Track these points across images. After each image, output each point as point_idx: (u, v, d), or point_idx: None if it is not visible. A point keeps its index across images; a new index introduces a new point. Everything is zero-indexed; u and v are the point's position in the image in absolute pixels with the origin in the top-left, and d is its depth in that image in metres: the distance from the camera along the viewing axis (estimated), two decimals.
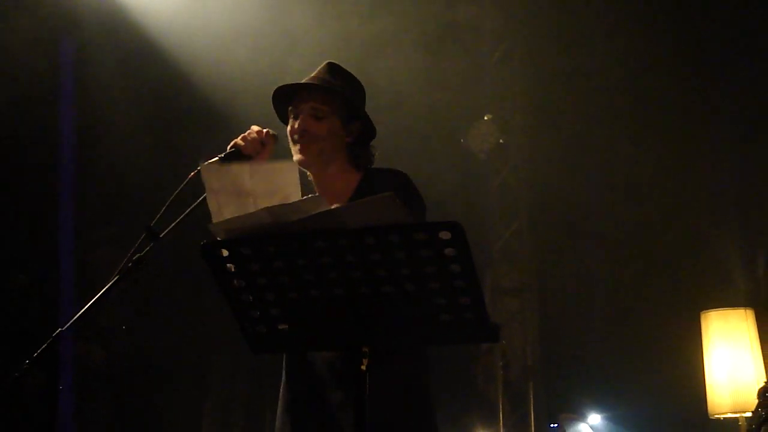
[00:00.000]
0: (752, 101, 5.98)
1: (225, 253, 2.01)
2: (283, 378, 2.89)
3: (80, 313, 2.59)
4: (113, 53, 5.69)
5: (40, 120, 5.64)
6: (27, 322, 4.38)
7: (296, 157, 2.89)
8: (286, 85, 2.93)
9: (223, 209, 2.58)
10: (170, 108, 5.99)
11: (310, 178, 2.97)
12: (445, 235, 1.87)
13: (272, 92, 2.94)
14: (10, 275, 5.41)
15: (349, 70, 3.03)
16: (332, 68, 2.98)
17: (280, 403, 2.89)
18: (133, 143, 5.84)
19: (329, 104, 2.90)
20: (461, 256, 1.89)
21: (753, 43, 5.91)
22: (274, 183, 2.57)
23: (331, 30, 5.77)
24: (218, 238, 2.05)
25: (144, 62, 5.76)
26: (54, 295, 4.83)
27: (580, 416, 4.91)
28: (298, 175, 2.61)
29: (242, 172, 2.59)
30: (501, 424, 7.25)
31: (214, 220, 2.60)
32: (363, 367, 2.02)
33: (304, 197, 2.39)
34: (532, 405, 7.20)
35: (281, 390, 2.90)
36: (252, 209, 2.49)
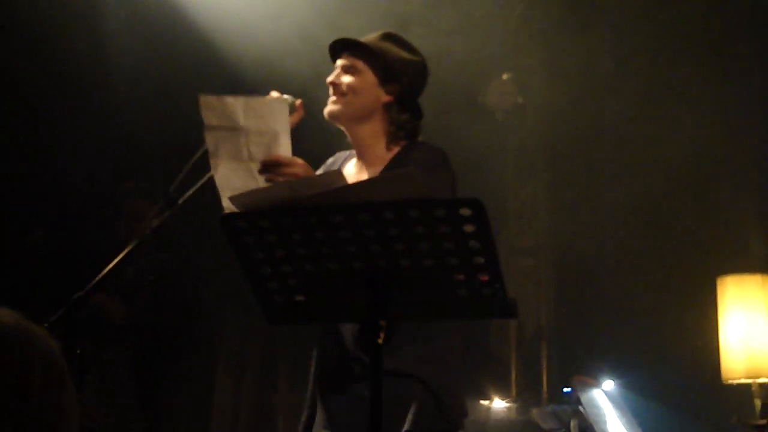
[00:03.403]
0: None
1: (243, 224, 2.01)
2: (315, 351, 2.91)
3: (98, 277, 2.60)
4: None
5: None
6: (43, 281, 4.38)
7: (326, 109, 2.89)
8: (331, 44, 2.93)
9: (220, 147, 2.58)
10: (189, 63, 5.93)
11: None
12: (465, 211, 1.86)
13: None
14: (25, 231, 5.41)
15: (371, 30, 2.99)
16: (384, 35, 2.94)
17: (310, 376, 2.91)
18: (150, 97, 5.80)
19: (363, 60, 2.88)
20: (481, 233, 1.88)
21: None
22: (265, 120, 2.56)
23: None
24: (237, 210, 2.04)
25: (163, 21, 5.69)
26: (72, 253, 4.83)
27: (595, 381, 4.92)
28: (288, 115, 2.59)
29: (236, 106, 2.57)
30: (513, 383, 7.29)
31: (211, 159, 2.62)
32: (380, 341, 2.02)
33: (324, 172, 2.38)
34: (545, 365, 7.23)
35: (313, 361, 2.90)
36: (244, 149, 2.51)
